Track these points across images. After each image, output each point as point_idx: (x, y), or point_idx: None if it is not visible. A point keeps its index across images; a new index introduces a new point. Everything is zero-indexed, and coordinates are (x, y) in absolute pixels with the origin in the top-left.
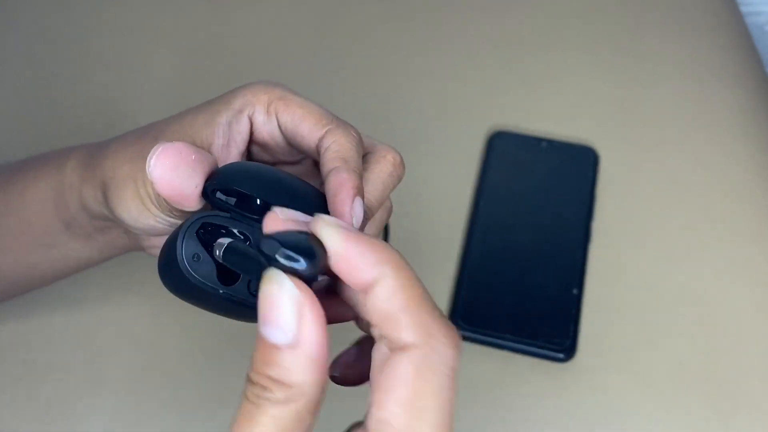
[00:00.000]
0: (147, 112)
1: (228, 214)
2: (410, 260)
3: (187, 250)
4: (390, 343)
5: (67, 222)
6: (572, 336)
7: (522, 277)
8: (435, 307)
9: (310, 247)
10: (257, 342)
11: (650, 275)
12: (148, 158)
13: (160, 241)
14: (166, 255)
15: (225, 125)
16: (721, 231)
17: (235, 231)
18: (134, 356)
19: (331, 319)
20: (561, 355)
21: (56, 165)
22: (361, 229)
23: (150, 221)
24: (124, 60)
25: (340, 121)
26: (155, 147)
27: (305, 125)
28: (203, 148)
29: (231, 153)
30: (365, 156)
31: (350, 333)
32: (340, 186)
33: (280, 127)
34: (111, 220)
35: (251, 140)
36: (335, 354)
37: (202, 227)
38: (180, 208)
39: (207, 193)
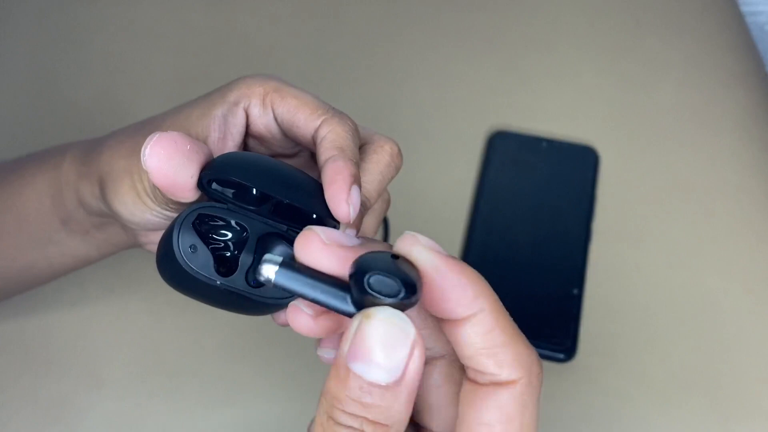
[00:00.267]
0: (146, 111)
1: (224, 205)
2: None
3: (183, 242)
4: (481, 376)
5: (65, 219)
6: (572, 336)
7: (522, 277)
8: (523, 336)
9: (412, 278)
10: (345, 379)
11: (651, 275)
12: (143, 147)
13: (157, 237)
14: (163, 247)
15: (221, 118)
16: (722, 231)
17: (232, 222)
18: (134, 356)
19: None
20: (561, 355)
21: (53, 162)
22: (360, 219)
23: (146, 215)
24: (123, 59)
25: (335, 111)
26: (150, 136)
27: (301, 116)
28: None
29: (227, 146)
30: (363, 147)
31: None
32: (336, 174)
33: (276, 118)
34: (108, 216)
35: (248, 133)
36: None
37: (198, 218)
38: (176, 199)
39: (203, 183)
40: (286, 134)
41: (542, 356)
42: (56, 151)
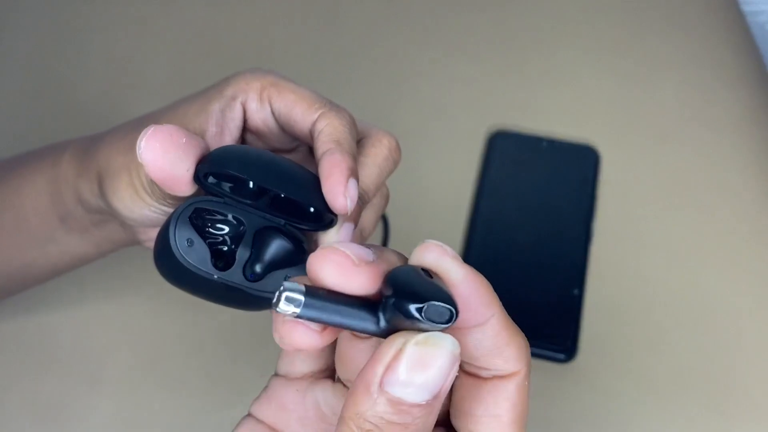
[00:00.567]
0: (145, 110)
1: (221, 199)
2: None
3: (180, 236)
4: (485, 371)
5: (64, 216)
6: (573, 336)
7: (522, 277)
8: (518, 327)
9: (454, 299)
10: (380, 402)
11: (651, 275)
12: (138, 141)
13: (156, 234)
14: (159, 242)
15: (218, 113)
16: (723, 230)
17: (229, 216)
18: (133, 355)
19: None
20: (562, 356)
21: (51, 160)
22: (358, 213)
23: (144, 211)
24: (123, 58)
25: (332, 105)
26: (145, 129)
27: (298, 110)
28: None
29: (224, 141)
30: (361, 141)
31: None
32: (333, 167)
33: (273, 113)
34: (107, 214)
35: (245, 128)
36: None
37: (195, 212)
38: (172, 193)
39: (199, 177)
40: (284, 129)
41: (543, 357)
42: (54, 148)
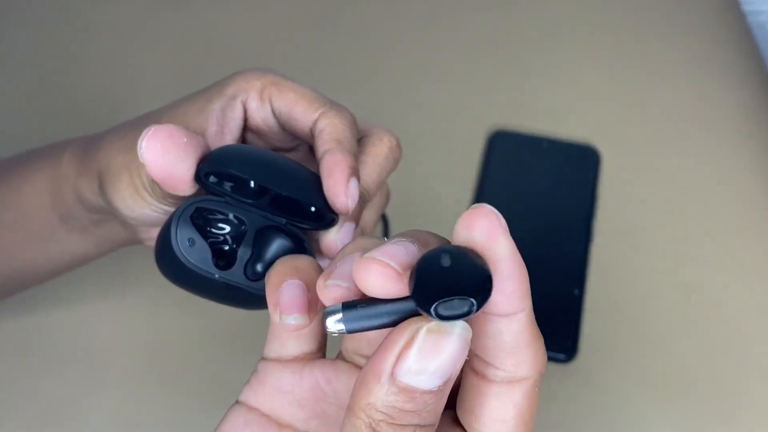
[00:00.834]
0: (145, 110)
1: (222, 198)
2: None
3: (181, 235)
4: (492, 371)
5: (64, 216)
6: (573, 336)
7: None
8: (541, 335)
9: (484, 286)
10: (393, 392)
11: (652, 275)
12: (139, 140)
13: (157, 233)
14: (161, 241)
15: (218, 112)
16: (724, 230)
17: (230, 215)
18: (134, 355)
19: None
20: (562, 356)
21: (52, 159)
22: (359, 212)
23: (145, 210)
24: (123, 58)
25: (333, 104)
26: (146, 129)
27: (299, 109)
28: None
29: (225, 140)
30: (361, 139)
31: None
32: (334, 166)
33: (273, 112)
34: (108, 213)
35: (246, 127)
36: None
37: (196, 212)
38: (173, 192)
39: (200, 176)
40: (285, 128)
41: None
42: (55, 147)
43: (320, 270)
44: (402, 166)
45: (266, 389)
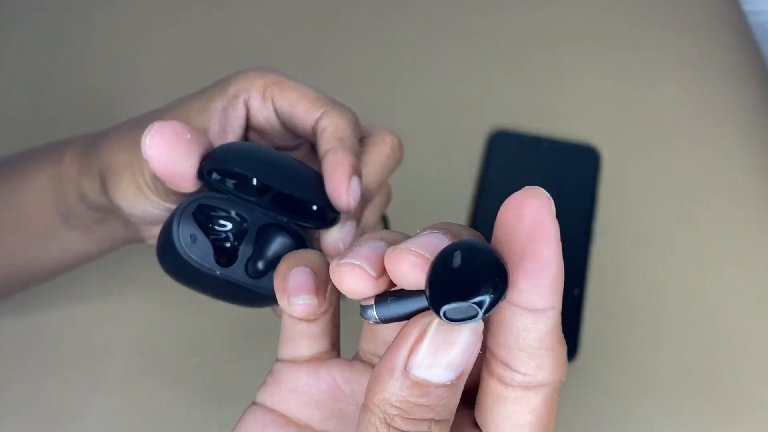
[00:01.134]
0: (146, 109)
1: (224, 196)
2: None
3: (183, 232)
4: (510, 374)
5: (66, 214)
6: (574, 336)
7: None
8: (565, 342)
9: (496, 288)
10: (407, 386)
11: (653, 275)
12: (143, 137)
13: (158, 231)
14: (163, 237)
15: (220, 111)
16: (725, 230)
17: (232, 213)
18: (134, 355)
19: None
20: None
21: (54, 157)
22: (360, 211)
23: (147, 207)
24: (123, 58)
25: (335, 103)
26: (150, 126)
27: (301, 108)
28: None
29: (227, 139)
30: (363, 139)
31: None
32: (336, 165)
33: (276, 111)
34: (109, 211)
35: (248, 126)
36: None
37: (198, 208)
38: (176, 189)
39: (203, 173)
40: (287, 127)
41: None
42: (56, 146)
43: (328, 262)
44: (402, 165)
45: (282, 390)
